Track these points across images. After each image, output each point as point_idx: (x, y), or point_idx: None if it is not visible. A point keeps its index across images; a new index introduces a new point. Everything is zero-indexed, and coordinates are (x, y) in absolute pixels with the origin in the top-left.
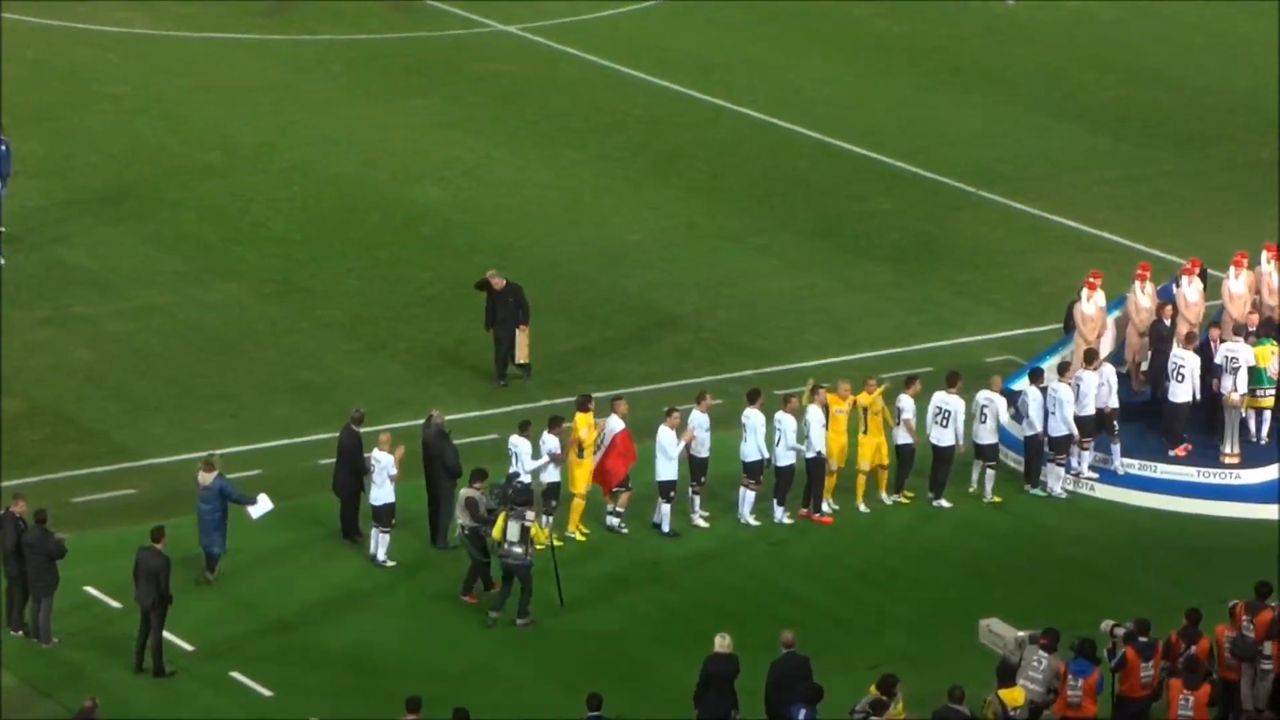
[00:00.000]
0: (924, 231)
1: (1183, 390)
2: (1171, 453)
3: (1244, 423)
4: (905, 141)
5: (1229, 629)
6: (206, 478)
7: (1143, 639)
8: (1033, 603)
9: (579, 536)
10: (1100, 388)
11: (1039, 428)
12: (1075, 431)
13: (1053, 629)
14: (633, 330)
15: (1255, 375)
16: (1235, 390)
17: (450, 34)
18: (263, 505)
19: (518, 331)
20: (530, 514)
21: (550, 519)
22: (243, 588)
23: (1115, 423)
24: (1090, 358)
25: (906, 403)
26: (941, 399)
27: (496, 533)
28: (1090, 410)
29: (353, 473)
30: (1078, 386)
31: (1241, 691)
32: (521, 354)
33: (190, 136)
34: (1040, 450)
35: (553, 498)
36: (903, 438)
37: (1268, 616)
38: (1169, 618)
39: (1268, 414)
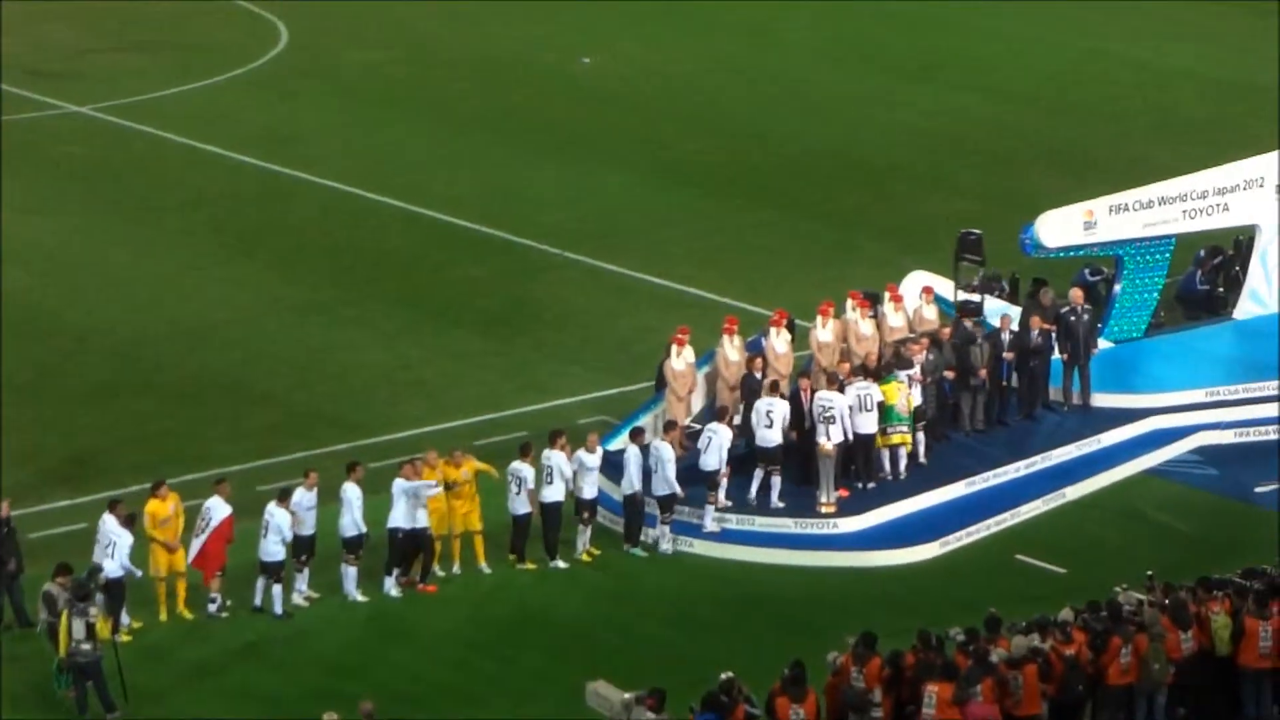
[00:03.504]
0: (512, 296)
1: (834, 433)
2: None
3: (879, 460)
4: (489, 206)
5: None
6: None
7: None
8: (638, 663)
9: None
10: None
11: (638, 486)
12: (679, 490)
13: (659, 689)
14: (223, 408)
15: (885, 413)
16: (829, 440)
17: (24, 117)
18: None
19: None
20: (94, 610)
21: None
22: None
23: (721, 481)
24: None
25: (525, 470)
26: (546, 458)
27: (62, 634)
28: (713, 465)
29: None
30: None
31: None
32: None
33: None
34: (640, 509)
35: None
36: (522, 506)
37: (876, 665)
38: (768, 676)
39: (903, 450)
